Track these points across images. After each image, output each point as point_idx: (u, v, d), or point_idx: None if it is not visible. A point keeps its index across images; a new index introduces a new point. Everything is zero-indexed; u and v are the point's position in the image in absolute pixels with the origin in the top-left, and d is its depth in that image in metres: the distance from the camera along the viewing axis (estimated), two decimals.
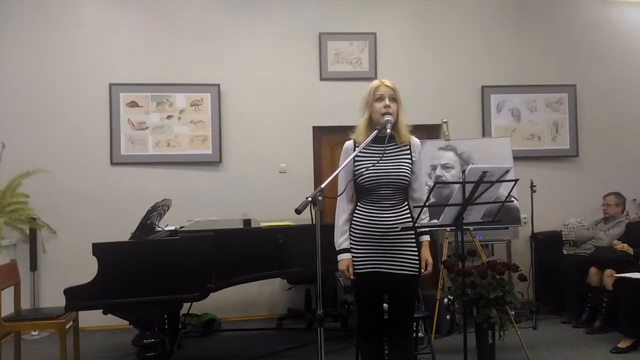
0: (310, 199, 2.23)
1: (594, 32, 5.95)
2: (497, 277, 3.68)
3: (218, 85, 5.37)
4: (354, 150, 2.66)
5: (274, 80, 5.47)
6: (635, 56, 5.99)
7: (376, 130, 2.61)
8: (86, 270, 3.16)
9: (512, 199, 4.36)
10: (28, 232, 4.98)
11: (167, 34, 5.37)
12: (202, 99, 5.36)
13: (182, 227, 4.00)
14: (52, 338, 4.45)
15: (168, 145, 5.33)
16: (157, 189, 4.96)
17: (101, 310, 3.17)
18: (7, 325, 3.56)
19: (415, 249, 2.64)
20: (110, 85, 5.23)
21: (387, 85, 2.67)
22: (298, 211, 2.20)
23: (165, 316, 3.98)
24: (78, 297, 3.07)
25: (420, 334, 3.83)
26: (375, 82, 2.71)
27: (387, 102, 2.63)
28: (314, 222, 2.30)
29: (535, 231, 4.99)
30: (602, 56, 5.94)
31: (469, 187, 2.68)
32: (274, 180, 5.43)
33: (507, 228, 4.87)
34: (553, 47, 5.87)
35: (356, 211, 2.68)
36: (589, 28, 5.95)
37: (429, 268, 2.67)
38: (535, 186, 4.80)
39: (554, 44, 5.87)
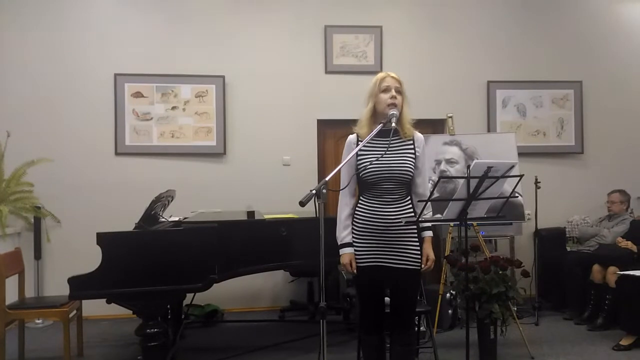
0: (314, 191, 2.23)
1: (600, 28, 5.91)
2: (500, 272, 3.68)
3: (223, 77, 5.36)
4: (357, 144, 2.64)
5: (279, 72, 5.46)
6: None
7: (381, 124, 2.59)
8: (90, 259, 3.18)
9: (517, 194, 4.35)
10: (32, 220, 5.01)
11: (173, 24, 5.36)
12: (206, 91, 5.36)
13: (186, 218, 4.01)
14: (56, 326, 4.48)
15: (172, 136, 5.33)
16: (161, 180, 4.95)
17: (105, 300, 3.19)
18: (11, 313, 3.59)
19: (417, 243, 2.64)
20: (116, 75, 5.23)
21: (393, 77, 2.66)
22: (302, 204, 2.20)
23: (169, 306, 3.99)
24: (82, 286, 3.09)
25: (422, 328, 3.83)
26: (381, 74, 2.71)
27: (393, 92, 2.62)
28: (317, 215, 2.30)
29: (539, 227, 4.97)
30: (609, 53, 5.90)
31: (473, 182, 2.67)
32: (278, 172, 5.43)
33: (511, 224, 4.84)
34: (559, 43, 5.84)
35: (358, 205, 2.67)
36: (595, 24, 5.91)
37: (429, 263, 2.68)
38: (539, 182, 4.78)
39: (560, 40, 5.84)
